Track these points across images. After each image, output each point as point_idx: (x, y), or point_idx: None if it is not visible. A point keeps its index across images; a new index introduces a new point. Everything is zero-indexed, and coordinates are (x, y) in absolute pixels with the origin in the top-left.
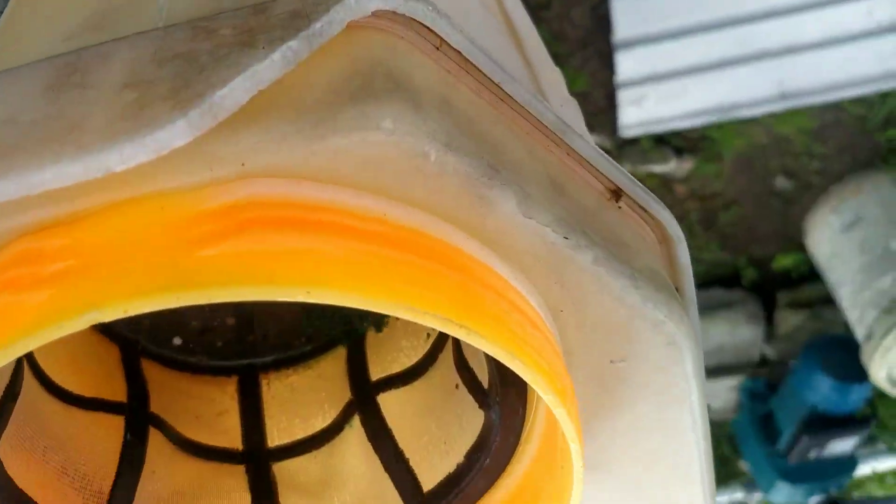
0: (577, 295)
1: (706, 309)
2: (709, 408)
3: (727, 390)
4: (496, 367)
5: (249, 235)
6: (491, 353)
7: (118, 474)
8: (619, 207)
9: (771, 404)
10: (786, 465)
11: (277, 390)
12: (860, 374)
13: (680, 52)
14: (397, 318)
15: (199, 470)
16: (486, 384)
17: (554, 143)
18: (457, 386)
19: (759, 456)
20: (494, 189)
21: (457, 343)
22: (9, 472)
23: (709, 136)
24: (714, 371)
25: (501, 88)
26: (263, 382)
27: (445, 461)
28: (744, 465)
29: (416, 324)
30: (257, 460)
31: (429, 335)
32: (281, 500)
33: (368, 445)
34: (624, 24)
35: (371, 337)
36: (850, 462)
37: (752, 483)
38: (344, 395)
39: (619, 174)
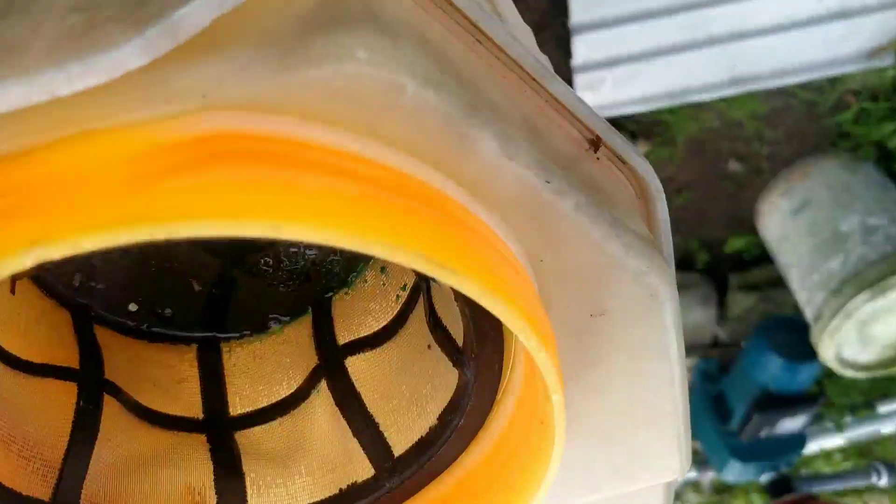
0: (558, 243)
1: None
2: None
3: None
4: (473, 320)
5: (213, 168)
6: (471, 295)
7: (71, 442)
8: (598, 158)
9: (722, 384)
10: (738, 443)
11: (239, 358)
12: (809, 354)
13: (635, 36)
14: (365, 281)
15: (157, 438)
16: (460, 342)
17: (531, 89)
18: (429, 346)
19: (711, 435)
20: (475, 128)
21: (429, 300)
22: None
23: (663, 121)
24: None
25: (478, 28)
26: (224, 350)
27: (417, 424)
28: (697, 445)
29: (384, 285)
30: (219, 429)
31: (398, 296)
32: (245, 468)
33: (336, 410)
34: (580, 7)
35: (338, 301)
36: (799, 440)
37: (705, 462)
38: (310, 360)
39: (599, 122)
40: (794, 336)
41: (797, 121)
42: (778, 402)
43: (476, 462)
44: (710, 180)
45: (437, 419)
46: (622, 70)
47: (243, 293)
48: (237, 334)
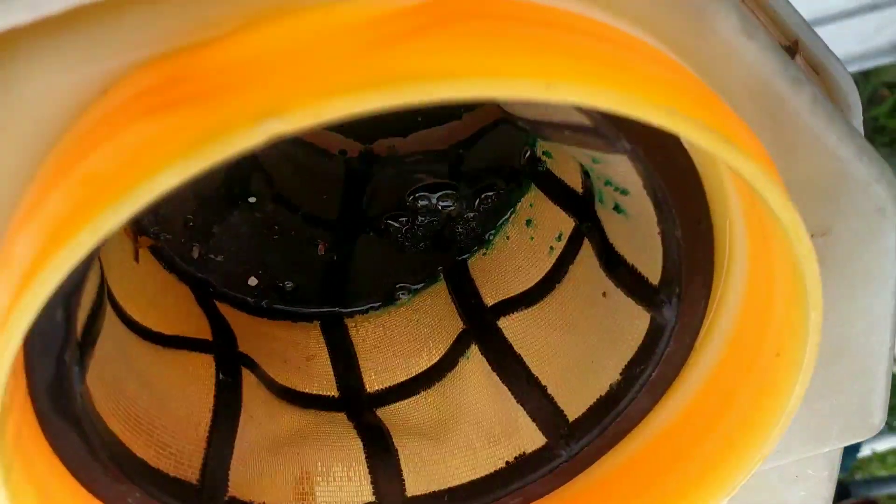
0: (789, 145)
1: None
2: None
3: None
4: (687, 245)
5: (465, 26)
6: (749, 177)
7: (215, 417)
8: None
9: None
10: None
11: (368, 332)
12: None
13: None
14: (507, 238)
15: (298, 417)
16: (653, 279)
17: None
18: (604, 293)
19: None
20: (715, 2)
21: (602, 241)
22: (100, 412)
23: None
24: None
25: None
26: (350, 326)
27: (594, 382)
28: None
29: (532, 239)
30: (358, 407)
31: (552, 248)
32: (396, 445)
33: (493, 376)
34: None
35: (475, 262)
36: (853, 444)
37: None
38: (453, 326)
39: (798, 22)
40: None
41: None
42: None
43: (671, 419)
44: None
45: (621, 373)
46: None
47: (367, 263)
48: (363, 308)
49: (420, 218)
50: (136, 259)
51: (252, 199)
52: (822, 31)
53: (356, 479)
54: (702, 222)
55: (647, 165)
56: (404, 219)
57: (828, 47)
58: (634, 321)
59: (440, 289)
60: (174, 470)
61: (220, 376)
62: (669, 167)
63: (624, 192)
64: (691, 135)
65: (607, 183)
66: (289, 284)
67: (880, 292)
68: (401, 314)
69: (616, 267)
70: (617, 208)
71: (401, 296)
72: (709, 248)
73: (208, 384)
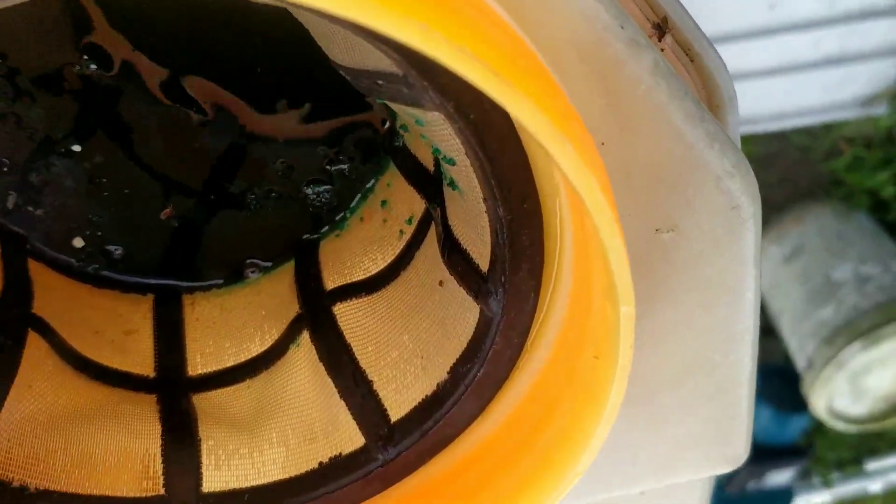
0: (627, 119)
1: None
2: None
3: None
4: (509, 229)
5: None
6: (530, 127)
7: None
8: (662, 50)
9: None
10: (724, 496)
11: (204, 310)
12: (799, 405)
13: None
14: (361, 219)
15: (95, 394)
16: (484, 267)
17: None
18: (441, 283)
19: None
20: None
21: (444, 222)
22: None
23: None
24: None
25: None
26: (187, 303)
27: (422, 380)
28: None
29: (385, 221)
30: (173, 390)
31: (402, 232)
32: (201, 434)
33: (320, 367)
34: None
35: (327, 244)
36: (786, 494)
37: None
38: (290, 310)
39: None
40: (784, 385)
41: (790, 166)
42: (766, 454)
43: (498, 425)
44: None
45: (449, 372)
46: None
47: (217, 235)
48: (205, 284)
49: (280, 178)
50: None
51: (77, 148)
52: (787, 81)
53: (144, 467)
54: (527, 201)
55: (461, 126)
56: (262, 187)
57: (700, 30)
58: (466, 314)
59: (289, 268)
60: None
61: None
62: (486, 131)
63: (451, 162)
64: (437, 53)
65: (436, 151)
66: (118, 252)
67: (739, 304)
68: (242, 294)
69: (452, 252)
70: (452, 184)
71: (250, 274)
72: (536, 232)
73: None
